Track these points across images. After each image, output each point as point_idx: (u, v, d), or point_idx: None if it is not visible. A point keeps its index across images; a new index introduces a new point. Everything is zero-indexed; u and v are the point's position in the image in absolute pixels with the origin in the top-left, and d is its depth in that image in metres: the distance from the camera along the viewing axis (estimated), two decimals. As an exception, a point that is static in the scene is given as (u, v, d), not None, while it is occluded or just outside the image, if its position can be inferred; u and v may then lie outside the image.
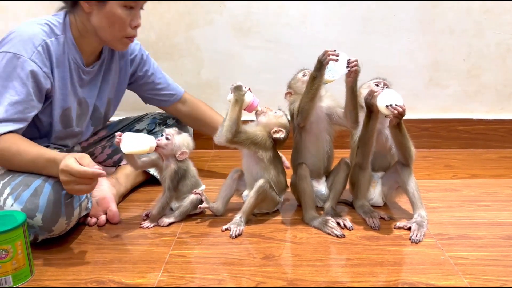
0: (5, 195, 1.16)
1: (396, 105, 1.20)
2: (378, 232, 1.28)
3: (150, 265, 1.12)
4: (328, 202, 1.39)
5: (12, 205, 1.13)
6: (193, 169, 1.41)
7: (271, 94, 1.72)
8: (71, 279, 1.06)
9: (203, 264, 1.12)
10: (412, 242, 1.22)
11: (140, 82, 1.62)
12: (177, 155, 1.33)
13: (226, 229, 1.29)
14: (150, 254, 1.17)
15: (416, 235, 1.24)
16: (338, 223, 1.31)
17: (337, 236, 1.25)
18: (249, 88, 1.33)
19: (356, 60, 1.24)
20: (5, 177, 1.21)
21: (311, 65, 1.33)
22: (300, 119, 1.32)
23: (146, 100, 1.70)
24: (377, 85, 1.35)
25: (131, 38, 1.37)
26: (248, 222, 1.33)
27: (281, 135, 1.35)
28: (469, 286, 1.02)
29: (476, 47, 2.01)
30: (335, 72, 1.28)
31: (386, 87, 1.33)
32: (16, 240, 1.02)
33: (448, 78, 2.05)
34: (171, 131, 1.35)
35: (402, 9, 1.97)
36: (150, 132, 1.71)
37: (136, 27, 1.36)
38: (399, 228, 1.29)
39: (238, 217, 1.31)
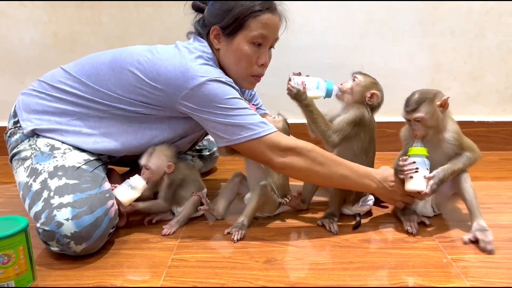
0: (62, 199, 1.14)
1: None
2: (380, 235, 1.28)
3: (152, 270, 1.12)
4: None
5: (67, 219, 1.11)
6: (194, 174, 1.41)
7: (273, 97, 1.72)
8: (73, 284, 1.07)
9: (205, 268, 1.12)
10: (484, 251, 1.17)
11: None
12: (166, 171, 1.34)
13: (228, 233, 1.29)
14: (152, 259, 1.17)
15: (486, 245, 1.17)
16: (323, 225, 1.33)
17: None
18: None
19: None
20: (68, 174, 1.20)
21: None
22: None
23: None
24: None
25: (257, 76, 1.35)
26: (250, 225, 1.33)
27: None
28: (471, 289, 1.02)
29: (477, 49, 2.01)
30: (319, 89, 1.33)
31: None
32: (19, 245, 1.02)
33: (449, 80, 2.05)
34: (144, 160, 1.32)
35: (402, 11, 1.97)
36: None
37: (263, 65, 1.33)
38: (465, 243, 1.22)
39: (240, 220, 1.31)
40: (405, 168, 1.23)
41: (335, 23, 2.00)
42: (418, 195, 1.25)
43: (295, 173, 1.27)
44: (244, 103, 1.23)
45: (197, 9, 1.37)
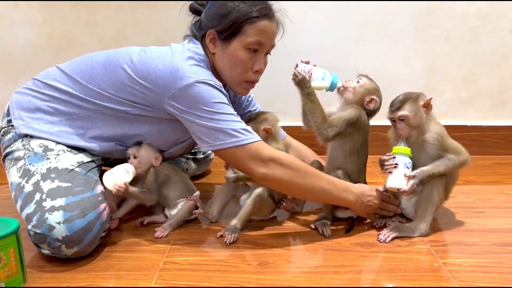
0: (54, 202, 1.13)
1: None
2: (372, 239, 1.28)
3: (144, 272, 1.12)
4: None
5: (59, 223, 1.10)
6: (179, 175, 1.41)
7: (268, 100, 1.73)
8: (64, 286, 1.06)
9: (197, 271, 1.12)
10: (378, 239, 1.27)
11: None
12: (153, 163, 1.35)
13: (221, 236, 1.29)
14: (144, 261, 1.17)
15: (384, 235, 1.27)
16: (316, 228, 1.33)
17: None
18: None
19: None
20: (61, 176, 1.20)
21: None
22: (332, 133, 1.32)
23: None
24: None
25: (251, 83, 1.34)
26: (243, 228, 1.33)
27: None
28: (462, 293, 1.02)
29: (471, 53, 2.02)
30: (324, 81, 1.33)
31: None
32: (9, 247, 1.01)
33: (443, 84, 2.06)
34: (132, 150, 1.34)
35: (398, 15, 1.98)
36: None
37: (258, 71, 1.32)
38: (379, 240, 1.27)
39: (233, 223, 1.31)
40: (386, 163, 1.28)
41: (331, 27, 2.01)
42: (397, 195, 1.30)
43: (277, 185, 1.26)
44: (230, 109, 1.22)
45: (194, 11, 1.37)
